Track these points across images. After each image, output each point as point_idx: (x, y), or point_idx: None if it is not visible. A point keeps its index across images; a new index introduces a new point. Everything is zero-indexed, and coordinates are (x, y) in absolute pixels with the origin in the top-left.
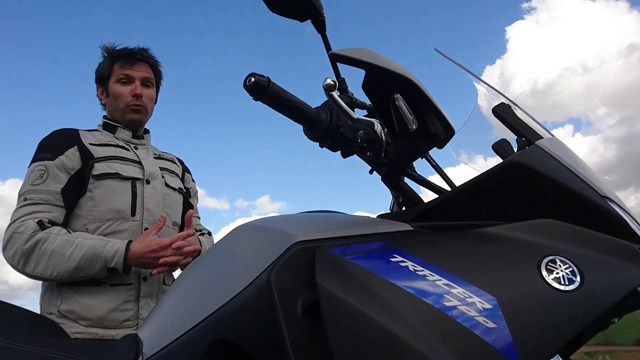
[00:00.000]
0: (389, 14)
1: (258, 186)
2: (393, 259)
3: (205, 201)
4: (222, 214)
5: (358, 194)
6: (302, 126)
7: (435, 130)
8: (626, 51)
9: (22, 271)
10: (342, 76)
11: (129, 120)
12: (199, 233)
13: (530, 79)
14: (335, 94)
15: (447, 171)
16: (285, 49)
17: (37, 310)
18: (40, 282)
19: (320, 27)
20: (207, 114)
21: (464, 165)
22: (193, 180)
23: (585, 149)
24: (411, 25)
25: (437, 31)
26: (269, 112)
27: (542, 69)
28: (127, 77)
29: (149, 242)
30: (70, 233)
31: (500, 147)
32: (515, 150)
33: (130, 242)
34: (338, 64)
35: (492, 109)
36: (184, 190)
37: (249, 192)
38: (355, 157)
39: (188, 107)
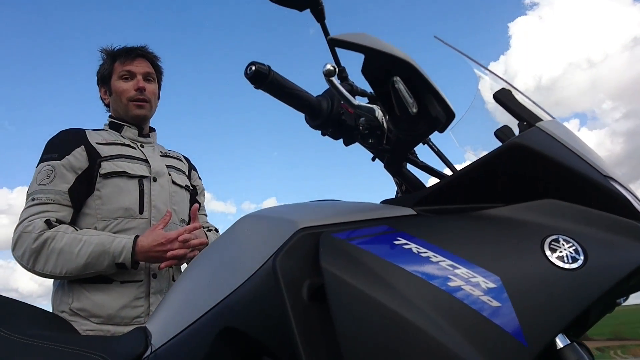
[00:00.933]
0: (390, 11)
1: (265, 188)
2: (397, 242)
3: (212, 204)
4: (229, 217)
5: (366, 195)
6: (303, 115)
7: (435, 113)
8: (631, 44)
9: (31, 270)
10: (342, 64)
11: (133, 116)
12: (205, 229)
13: (534, 75)
14: (335, 80)
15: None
16: (292, 48)
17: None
18: (50, 285)
19: (319, 15)
20: (212, 117)
21: (467, 156)
22: (199, 178)
23: (592, 144)
24: (412, 23)
25: (438, 28)
26: (275, 114)
27: (546, 64)
28: (129, 72)
29: (156, 236)
30: (77, 231)
31: (502, 134)
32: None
33: (137, 237)
34: (337, 52)
35: (493, 95)
36: (191, 187)
37: (255, 194)
38: (358, 147)
39: (193, 110)
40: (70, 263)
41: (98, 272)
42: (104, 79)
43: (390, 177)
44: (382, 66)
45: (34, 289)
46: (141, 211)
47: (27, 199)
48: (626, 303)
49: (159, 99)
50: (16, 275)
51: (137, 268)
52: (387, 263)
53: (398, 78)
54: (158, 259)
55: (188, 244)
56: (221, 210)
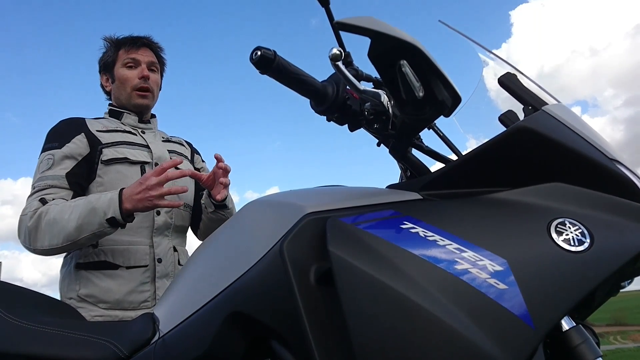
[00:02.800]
0: (391, 2)
1: (267, 177)
2: (403, 226)
3: None
4: None
5: (369, 183)
6: (308, 101)
7: (441, 97)
8: (632, 32)
9: (34, 249)
10: (347, 49)
11: (135, 104)
12: None
13: (536, 62)
14: (341, 64)
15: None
16: (295, 39)
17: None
18: (54, 275)
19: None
20: (213, 106)
21: (469, 142)
22: (203, 161)
23: None
24: (414, 11)
25: (438, 16)
26: (277, 103)
27: (548, 52)
28: (134, 60)
29: (137, 180)
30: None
31: (506, 118)
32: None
33: (123, 188)
34: (342, 38)
35: (498, 79)
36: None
37: (258, 183)
38: (362, 133)
39: (194, 100)
40: (65, 230)
41: (94, 235)
42: (107, 66)
43: (394, 162)
44: (389, 50)
45: (38, 279)
46: None
47: (30, 189)
48: (626, 289)
49: (160, 89)
50: (21, 265)
51: (132, 221)
52: (394, 247)
53: (405, 62)
54: (145, 202)
55: (166, 175)
56: None
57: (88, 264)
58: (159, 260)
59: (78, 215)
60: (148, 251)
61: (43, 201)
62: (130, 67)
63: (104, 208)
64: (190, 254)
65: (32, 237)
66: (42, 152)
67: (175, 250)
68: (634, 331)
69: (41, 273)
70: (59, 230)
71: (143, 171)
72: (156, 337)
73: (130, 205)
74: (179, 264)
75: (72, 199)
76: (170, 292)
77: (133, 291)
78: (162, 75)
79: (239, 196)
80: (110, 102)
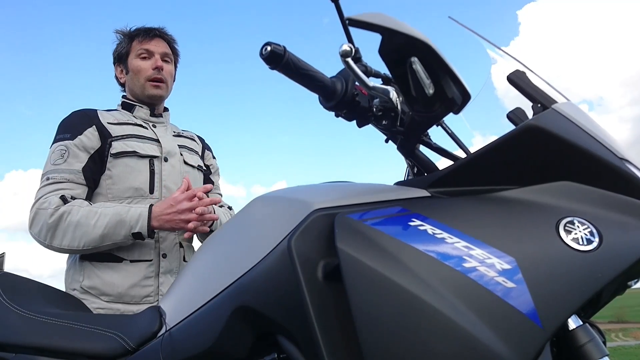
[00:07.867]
0: (396, 1)
1: (275, 172)
2: (412, 223)
3: (222, 187)
4: (239, 200)
5: (375, 177)
6: (317, 96)
7: (451, 94)
8: None
9: (49, 245)
10: (356, 45)
11: (149, 95)
12: (219, 205)
13: (543, 61)
14: (351, 61)
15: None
16: (302, 37)
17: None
18: (59, 267)
19: None
20: (223, 101)
21: (476, 139)
22: (214, 157)
23: None
24: (423, 7)
25: (444, 15)
26: (286, 99)
27: (555, 51)
28: (147, 51)
29: (167, 200)
30: (92, 204)
31: (515, 116)
32: (530, 117)
33: (152, 205)
34: (351, 34)
35: (507, 76)
36: (204, 167)
37: (265, 178)
38: (369, 130)
39: (204, 94)
40: (87, 235)
41: (115, 244)
42: (120, 58)
43: (400, 159)
44: (400, 47)
45: (43, 270)
46: (152, 191)
47: (41, 178)
48: None
49: (174, 80)
50: (27, 256)
51: (154, 237)
52: (402, 244)
53: (415, 59)
54: (172, 223)
55: (203, 217)
56: (231, 193)
57: (93, 256)
58: (164, 256)
59: (105, 224)
60: (153, 246)
61: (64, 199)
62: (144, 58)
63: (132, 223)
64: (195, 247)
65: (50, 234)
66: (54, 143)
67: (181, 246)
68: (635, 329)
69: (46, 265)
70: (81, 235)
71: (152, 165)
72: (163, 331)
73: (158, 224)
74: (184, 260)
75: (86, 196)
76: (176, 286)
77: (136, 285)
78: (175, 67)
79: (246, 189)
80: (124, 94)
